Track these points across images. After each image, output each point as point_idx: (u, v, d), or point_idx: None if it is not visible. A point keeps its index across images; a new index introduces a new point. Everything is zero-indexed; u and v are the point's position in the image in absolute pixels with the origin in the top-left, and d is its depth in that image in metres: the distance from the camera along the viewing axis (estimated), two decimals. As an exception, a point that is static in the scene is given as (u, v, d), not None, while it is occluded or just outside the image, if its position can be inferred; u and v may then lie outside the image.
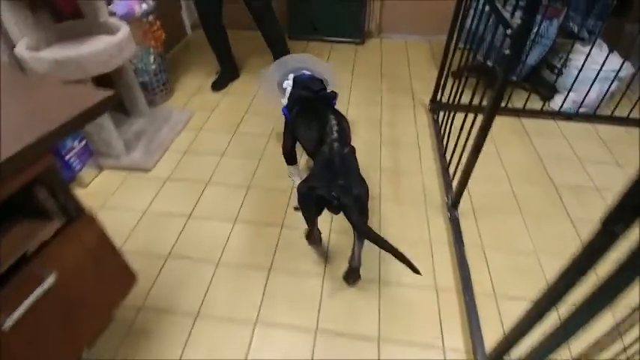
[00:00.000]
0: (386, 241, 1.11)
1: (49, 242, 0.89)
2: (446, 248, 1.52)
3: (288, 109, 1.59)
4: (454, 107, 1.94)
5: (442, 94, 2.17)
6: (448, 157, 1.84)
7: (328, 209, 1.19)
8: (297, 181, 1.77)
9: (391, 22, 3.26)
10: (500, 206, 1.72)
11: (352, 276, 1.38)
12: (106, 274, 1.08)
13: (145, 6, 2.06)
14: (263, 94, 2.07)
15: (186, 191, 1.81)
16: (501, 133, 2.14)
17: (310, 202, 1.22)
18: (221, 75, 2.63)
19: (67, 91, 0.88)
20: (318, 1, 3.04)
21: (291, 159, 1.73)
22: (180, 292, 1.39)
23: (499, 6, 1.34)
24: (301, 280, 1.42)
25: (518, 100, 2.33)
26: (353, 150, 1.27)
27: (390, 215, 1.67)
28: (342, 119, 1.38)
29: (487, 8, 1.80)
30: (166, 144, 2.08)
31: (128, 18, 1.99)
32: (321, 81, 1.64)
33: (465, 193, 1.65)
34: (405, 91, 2.58)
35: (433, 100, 2.31)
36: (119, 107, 2.24)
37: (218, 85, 2.58)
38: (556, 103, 2.31)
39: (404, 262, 1.09)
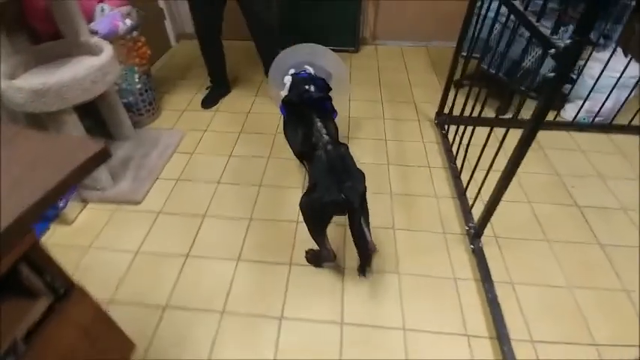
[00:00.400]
0: (366, 246, 1.24)
1: (37, 325, 0.74)
2: (472, 285, 1.40)
3: (284, 109, 1.59)
4: (464, 120, 1.82)
5: (453, 107, 2.04)
6: (464, 179, 1.72)
7: (335, 214, 1.20)
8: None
9: (386, 28, 3.13)
10: (524, 231, 1.61)
11: (368, 263, 1.39)
12: (103, 350, 0.92)
13: (128, 22, 1.88)
14: (270, 87, 1.92)
15: (182, 226, 1.64)
16: (513, 146, 2.03)
17: (319, 214, 1.20)
18: (212, 91, 2.46)
19: (50, 146, 0.72)
20: (309, 9, 2.89)
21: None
22: (182, 349, 1.23)
23: (526, 17, 1.22)
24: (317, 329, 1.28)
25: (525, 111, 2.22)
26: (346, 147, 1.28)
27: (406, 247, 1.54)
28: (328, 120, 1.38)
29: (493, 15, 1.71)
30: (156, 171, 1.91)
31: (111, 36, 1.81)
32: (321, 79, 1.61)
33: (481, 209, 1.54)
34: (407, 102, 2.46)
35: (440, 112, 2.19)
36: (102, 131, 2.06)
37: (208, 102, 2.41)
38: (568, 113, 2.22)
39: (362, 259, 1.28)
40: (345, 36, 3.00)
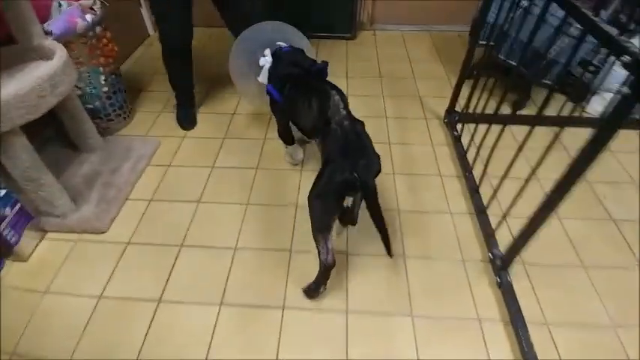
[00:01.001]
0: (385, 226, 1.11)
1: None
2: (500, 328, 1.18)
3: (275, 88, 1.42)
4: (479, 118, 1.57)
5: (469, 104, 1.77)
6: (484, 195, 1.48)
7: (349, 195, 1.13)
8: (299, 158, 1.74)
9: (385, 10, 2.83)
10: (555, 254, 1.38)
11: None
12: None
13: (89, 17, 1.58)
14: (233, 75, 1.69)
15: (154, 260, 1.40)
16: (532, 147, 1.79)
17: (331, 196, 1.07)
18: (182, 109, 2.05)
19: None
20: (301, -9, 2.58)
21: (289, 139, 1.65)
22: None
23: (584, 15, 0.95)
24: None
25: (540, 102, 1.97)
26: (363, 124, 1.18)
27: (420, 279, 1.31)
28: (342, 93, 1.27)
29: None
30: (126, 190, 1.65)
31: (69, 36, 1.52)
32: (303, 51, 1.50)
33: (506, 233, 1.32)
34: (412, 97, 2.19)
35: (450, 109, 1.93)
36: (66, 141, 1.79)
37: (186, 122, 2.02)
38: (592, 107, 1.97)
39: (385, 240, 1.14)
40: (340, 21, 2.69)
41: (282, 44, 1.53)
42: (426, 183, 1.67)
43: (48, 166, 1.43)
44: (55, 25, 1.46)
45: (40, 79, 1.25)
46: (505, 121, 1.39)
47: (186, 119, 2.03)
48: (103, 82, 1.79)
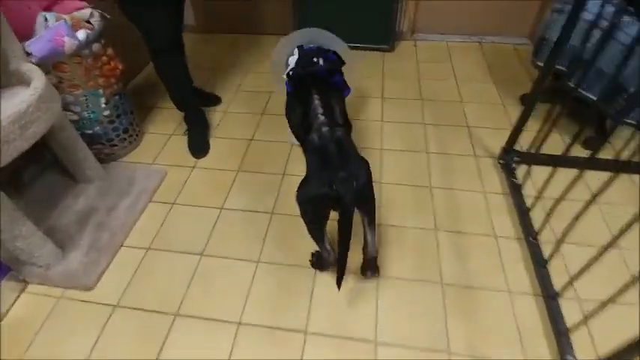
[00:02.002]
0: (346, 249, 1.01)
1: None
2: None
3: (289, 85, 1.37)
4: (544, 160, 1.25)
5: (539, 145, 1.43)
6: (555, 270, 1.15)
7: (330, 209, 1.03)
8: None
9: (428, 17, 2.48)
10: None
11: (370, 267, 1.21)
12: None
13: (81, 35, 1.36)
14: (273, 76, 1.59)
15: (144, 331, 1.17)
16: (615, 202, 1.43)
17: (310, 209, 1.04)
18: (193, 132, 1.83)
19: None
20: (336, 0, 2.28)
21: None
22: None
23: None
24: None
25: (619, 143, 1.59)
26: (348, 129, 1.11)
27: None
28: (333, 98, 1.18)
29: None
30: (121, 235, 1.44)
31: (53, 58, 1.31)
32: (333, 52, 1.41)
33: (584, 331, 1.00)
34: (459, 126, 1.85)
35: (508, 148, 1.59)
36: (61, 169, 1.60)
37: (198, 150, 1.78)
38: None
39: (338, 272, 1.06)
40: (377, 30, 2.37)
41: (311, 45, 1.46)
42: (476, 245, 1.35)
43: (41, 199, 1.26)
44: (37, 45, 1.24)
45: (6, 119, 1.03)
46: (580, 165, 1.07)
47: (197, 146, 1.80)
48: (103, 106, 1.58)
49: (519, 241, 1.35)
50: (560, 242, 1.13)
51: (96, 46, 1.46)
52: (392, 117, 1.91)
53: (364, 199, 1.02)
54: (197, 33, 2.72)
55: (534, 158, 1.46)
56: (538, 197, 1.30)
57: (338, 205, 0.96)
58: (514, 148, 1.58)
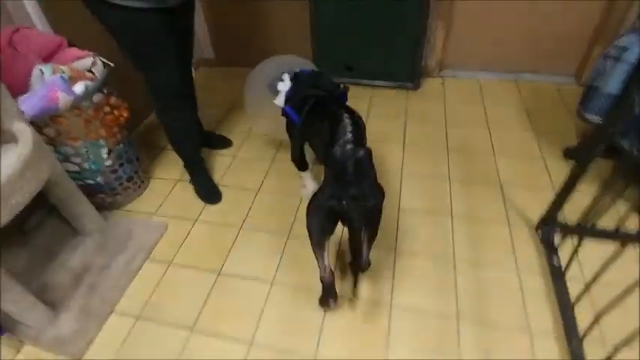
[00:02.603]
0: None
1: None
2: None
3: (294, 109, 1.37)
4: (591, 233, 1.03)
5: (590, 212, 1.21)
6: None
7: (342, 223, 1.05)
8: (311, 188, 1.59)
9: (459, 51, 2.29)
10: None
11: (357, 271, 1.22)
12: None
13: (79, 89, 1.29)
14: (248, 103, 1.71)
15: None
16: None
17: (318, 219, 1.06)
18: (199, 182, 1.73)
19: None
20: (355, 32, 2.15)
21: (302, 164, 1.56)
22: None
23: None
24: None
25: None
26: (369, 152, 1.09)
27: None
28: (357, 118, 1.22)
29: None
30: (113, 299, 1.34)
31: (47, 115, 1.25)
32: (327, 75, 1.44)
33: None
34: (490, 183, 1.64)
35: (549, 217, 1.36)
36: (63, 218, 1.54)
37: (212, 195, 1.70)
38: None
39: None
40: (401, 66, 2.21)
41: (305, 68, 1.51)
42: (506, 343, 1.14)
43: (40, 249, 1.35)
44: (29, 103, 1.18)
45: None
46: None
47: (209, 193, 1.71)
48: (105, 156, 1.52)
49: (558, 340, 1.13)
50: (617, 350, 0.91)
51: (97, 97, 1.39)
52: (413, 169, 1.74)
53: (370, 223, 1.08)
54: (215, 67, 2.68)
55: (582, 231, 1.23)
56: (586, 289, 1.08)
57: (345, 220, 1.02)
58: (556, 217, 1.35)
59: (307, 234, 1.09)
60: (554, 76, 2.22)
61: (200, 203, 1.68)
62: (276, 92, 1.47)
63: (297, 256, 1.42)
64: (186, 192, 1.74)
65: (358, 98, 2.24)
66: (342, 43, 2.21)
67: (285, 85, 1.45)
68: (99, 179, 1.56)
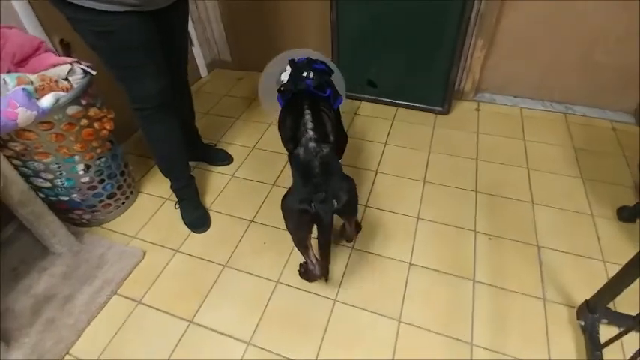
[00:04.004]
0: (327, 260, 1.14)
1: None
2: None
3: (282, 98, 1.33)
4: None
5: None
6: None
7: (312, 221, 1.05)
8: None
9: (500, 75, 2.00)
10: None
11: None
12: None
13: (47, 102, 1.10)
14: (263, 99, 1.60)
15: None
16: None
17: (295, 222, 1.08)
18: (188, 205, 1.54)
19: None
20: (381, 46, 1.90)
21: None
22: None
23: None
24: None
25: None
26: (341, 144, 1.17)
27: None
28: (322, 111, 1.17)
29: None
30: (71, 338, 1.17)
31: (6, 131, 1.08)
32: (321, 62, 1.37)
33: None
34: (523, 243, 1.35)
35: (596, 303, 1.08)
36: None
37: (200, 223, 1.50)
38: None
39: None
40: (430, 88, 1.95)
41: (310, 54, 1.45)
42: None
43: (9, 268, 1.27)
44: (-19, 120, 1.01)
45: None
46: None
47: (197, 220, 1.51)
48: (81, 173, 1.35)
49: None
50: None
51: (73, 109, 1.22)
52: (432, 213, 1.48)
53: (347, 213, 1.19)
54: (232, 69, 2.50)
55: (628, 321, 0.95)
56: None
57: (316, 222, 1.02)
58: (606, 306, 1.07)
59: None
60: (610, 112, 1.89)
61: (185, 229, 1.50)
62: (281, 82, 1.41)
63: (283, 313, 1.21)
64: (172, 214, 1.56)
65: (379, 119, 2.00)
66: (365, 55, 1.96)
67: (286, 75, 1.39)
68: (74, 196, 1.39)
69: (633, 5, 1.58)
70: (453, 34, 1.73)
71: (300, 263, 1.30)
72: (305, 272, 1.28)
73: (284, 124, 1.24)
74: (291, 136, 1.15)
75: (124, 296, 1.29)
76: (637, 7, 1.59)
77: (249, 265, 1.35)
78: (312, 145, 1.05)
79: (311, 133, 1.08)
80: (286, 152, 1.19)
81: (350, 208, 1.11)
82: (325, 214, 0.98)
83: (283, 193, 1.10)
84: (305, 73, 1.29)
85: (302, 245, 1.15)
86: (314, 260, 1.18)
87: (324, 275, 1.23)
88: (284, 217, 1.11)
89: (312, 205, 0.98)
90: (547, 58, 1.85)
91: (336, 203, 1.01)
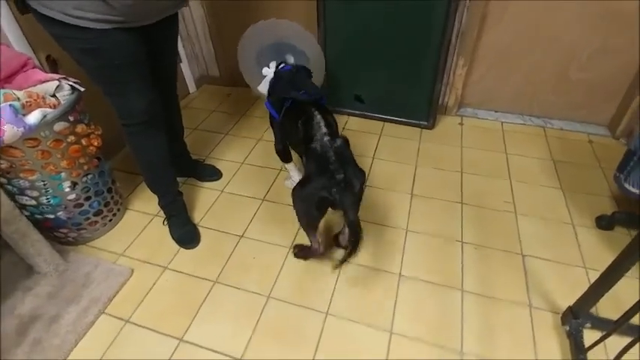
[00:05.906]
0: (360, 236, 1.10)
1: None
2: None
3: (273, 106, 1.43)
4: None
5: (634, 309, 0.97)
6: None
7: (332, 208, 1.15)
8: (297, 179, 1.52)
9: (481, 91, 2.08)
10: None
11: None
12: None
13: (33, 119, 1.10)
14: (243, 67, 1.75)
15: None
16: None
17: (311, 206, 1.15)
18: (177, 221, 1.52)
19: None
20: (369, 63, 1.96)
21: (285, 156, 1.57)
22: None
23: None
24: None
25: None
26: (346, 140, 1.20)
27: None
28: (326, 113, 1.28)
29: None
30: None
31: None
32: (305, 69, 1.52)
33: None
34: (509, 253, 1.40)
35: (580, 309, 1.12)
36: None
37: (189, 239, 1.49)
38: None
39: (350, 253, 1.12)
40: (416, 103, 2.01)
41: (289, 59, 1.64)
42: None
43: None
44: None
45: None
46: None
47: (184, 235, 1.50)
48: (67, 190, 1.34)
49: None
50: None
51: (59, 126, 1.22)
52: (420, 225, 1.51)
53: (358, 201, 1.18)
54: (221, 85, 2.52)
55: (624, 332, 0.98)
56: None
57: (336, 205, 1.10)
58: (589, 311, 1.11)
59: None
60: (586, 124, 1.99)
61: (174, 246, 1.48)
62: (262, 76, 1.54)
63: (275, 328, 1.20)
64: (161, 230, 1.54)
65: (367, 133, 2.04)
66: (352, 72, 2.02)
67: (269, 72, 1.49)
68: (60, 214, 1.37)
69: (602, 26, 1.69)
70: (436, 52, 1.80)
71: (296, 245, 1.43)
72: (301, 251, 1.39)
73: (290, 129, 1.34)
74: (303, 137, 1.24)
75: (112, 315, 1.27)
76: (605, 27, 1.69)
77: (239, 281, 1.35)
78: (326, 138, 1.16)
79: (325, 129, 1.19)
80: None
81: (360, 195, 1.16)
82: (346, 197, 1.06)
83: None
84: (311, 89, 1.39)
85: (313, 228, 1.23)
86: (318, 238, 1.28)
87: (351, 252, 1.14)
88: (298, 203, 1.19)
89: (333, 190, 1.06)
90: (525, 75, 1.94)
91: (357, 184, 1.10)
